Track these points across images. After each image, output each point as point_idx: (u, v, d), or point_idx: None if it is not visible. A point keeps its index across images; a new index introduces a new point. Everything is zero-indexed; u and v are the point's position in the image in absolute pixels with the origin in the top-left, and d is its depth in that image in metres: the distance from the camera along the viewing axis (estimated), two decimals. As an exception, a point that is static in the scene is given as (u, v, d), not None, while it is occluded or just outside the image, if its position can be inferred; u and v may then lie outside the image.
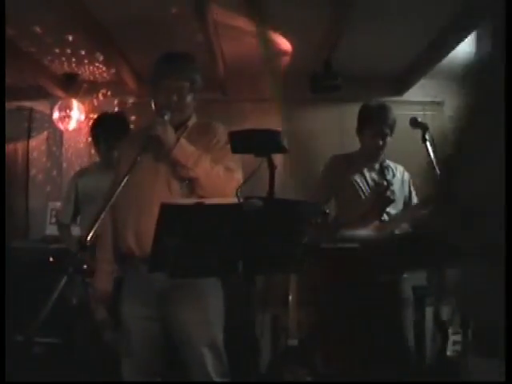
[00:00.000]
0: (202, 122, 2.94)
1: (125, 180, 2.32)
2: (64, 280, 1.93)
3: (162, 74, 2.76)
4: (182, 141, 2.64)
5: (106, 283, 2.81)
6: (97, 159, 4.32)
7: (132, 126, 4.10)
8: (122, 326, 2.77)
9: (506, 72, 3.45)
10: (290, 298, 4.67)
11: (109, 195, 2.48)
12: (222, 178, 2.66)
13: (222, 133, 2.84)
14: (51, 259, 4.32)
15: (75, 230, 4.19)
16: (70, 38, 4.19)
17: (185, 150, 2.63)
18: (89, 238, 2.05)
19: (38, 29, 4.05)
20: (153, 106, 2.81)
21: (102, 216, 2.14)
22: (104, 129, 4.02)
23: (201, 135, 2.81)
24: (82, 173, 4.20)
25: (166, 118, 2.65)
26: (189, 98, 2.82)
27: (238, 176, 2.71)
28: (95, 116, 5.12)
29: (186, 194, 2.68)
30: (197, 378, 2.72)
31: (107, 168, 3.79)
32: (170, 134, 2.62)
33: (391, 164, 3.74)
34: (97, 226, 2.09)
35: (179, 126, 2.78)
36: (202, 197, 2.63)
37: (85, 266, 2.00)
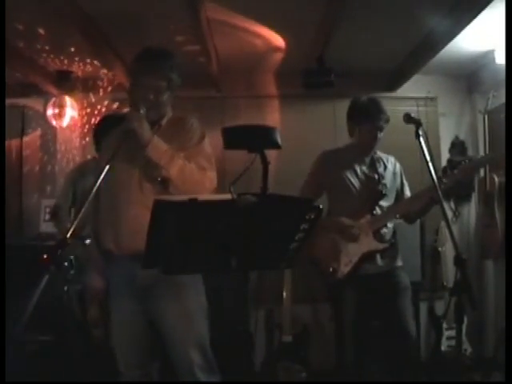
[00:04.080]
0: (176, 117, 2.93)
1: (102, 175, 2.29)
2: (46, 278, 1.92)
3: (140, 71, 2.76)
4: (156, 139, 2.63)
5: (97, 281, 2.85)
6: (90, 156, 4.32)
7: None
8: (111, 321, 2.81)
9: (506, 71, 3.46)
10: (285, 294, 4.68)
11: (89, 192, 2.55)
12: (196, 177, 2.67)
13: (195, 128, 2.84)
14: (45, 256, 4.31)
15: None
16: (63, 34, 4.18)
17: (158, 148, 2.63)
18: (68, 235, 2.05)
19: (30, 26, 4.04)
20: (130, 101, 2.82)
21: (81, 215, 2.14)
22: (106, 131, 4.02)
23: (175, 130, 2.81)
24: (80, 170, 4.20)
25: (142, 112, 2.66)
26: (165, 97, 2.82)
27: (212, 174, 2.75)
28: (88, 112, 5.12)
29: (159, 194, 2.68)
30: (182, 372, 2.74)
31: None
32: (145, 129, 2.62)
33: (382, 156, 3.75)
34: (75, 224, 2.09)
35: (154, 124, 2.78)
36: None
37: (65, 264, 2.01)
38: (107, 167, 2.31)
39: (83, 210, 2.15)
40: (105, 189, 2.64)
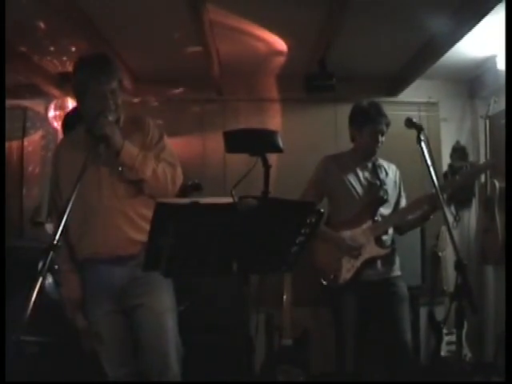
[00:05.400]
0: (131, 118, 2.96)
1: (78, 185, 2.27)
2: (40, 280, 1.93)
3: (94, 79, 2.72)
4: (127, 144, 2.67)
5: (75, 291, 2.86)
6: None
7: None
8: (91, 324, 2.83)
9: (506, 77, 3.47)
10: (285, 297, 4.67)
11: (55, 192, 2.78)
12: (168, 175, 2.74)
13: (153, 128, 2.90)
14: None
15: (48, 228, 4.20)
16: (65, 36, 4.17)
17: (131, 153, 2.67)
18: (56, 237, 2.05)
19: (32, 27, 4.04)
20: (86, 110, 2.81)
21: (65, 217, 2.14)
22: (76, 122, 3.99)
23: (133, 132, 2.84)
24: None
25: (111, 118, 2.68)
26: (119, 98, 2.84)
27: (179, 170, 2.82)
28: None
29: (134, 195, 2.76)
30: (156, 366, 2.79)
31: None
32: (118, 134, 2.65)
33: (384, 163, 3.75)
34: (62, 226, 2.10)
35: None
36: (149, 196, 2.73)
37: (56, 267, 2.03)
38: (78, 187, 2.27)
39: (65, 217, 2.15)
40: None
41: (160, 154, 2.80)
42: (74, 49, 4.53)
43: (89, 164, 2.41)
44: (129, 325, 2.82)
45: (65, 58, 4.76)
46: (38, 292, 1.92)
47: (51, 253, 2.02)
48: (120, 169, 2.70)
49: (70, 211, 2.16)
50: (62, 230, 2.10)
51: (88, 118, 2.76)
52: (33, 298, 1.90)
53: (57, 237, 2.06)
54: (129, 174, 2.70)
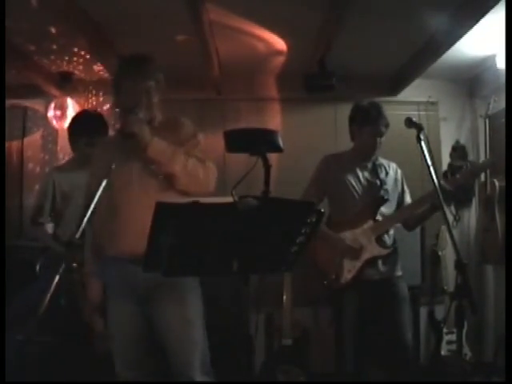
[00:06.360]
0: (168, 118, 2.97)
1: (104, 182, 2.29)
2: (57, 279, 1.92)
3: (130, 76, 2.77)
4: (155, 140, 2.65)
5: (97, 294, 2.87)
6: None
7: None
8: (109, 321, 2.82)
9: (506, 76, 3.46)
10: (285, 297, 4.67)
11: (89, 195, 2.60)
12: (199, 170, 2.70)
13: (188, 126, 2.91)
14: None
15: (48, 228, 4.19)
16: (65, 36, 4.18)
17: (158, 146, 2.64)
18: (77, 235, 2.05)
19: (32, 27, 4.04)
20: (119, 107, 2.86)
21: (88, 214, 2.13)
22: (82, 126, 4.01)
23: (169, 131, 2.83)
24: (59, 170, 4.16)
25: (141, 116, 2.68)
26: (155, 98, 2.85)
27: (211, 165, 2.78)
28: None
29: (164, 190, 2.71)
30: (179, 375, 2.75)
31: (83, 166, 3.73)
32: (146, 131, 2.64)
33: (384, 162, 3.74)
34: (84, 224, 2.10)
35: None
36: (180, 191, 2.68)
37: (74, 265, 2.01)
38: (104, 182, 2.29)
39: (89, 213, 2.15)
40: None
41: (192, 150, 2.78)
42: (74, 49, 4.54)
43: (117, 161, 2.43)
44: (149, 326, 2.77)
45: (65, 58, 4.77)
46: (54, 291, 1.91)
47: (69, 251, 2.01)
48: (152, 167, 2.69)
49: (95, 208, 2.16)
50: (84, 228, 2.10)
51: (120, 115, 2.79)
52: (48, 297, 1.90)
53: (78, 235, 2.05)
54: (158, 170, 2.68)
